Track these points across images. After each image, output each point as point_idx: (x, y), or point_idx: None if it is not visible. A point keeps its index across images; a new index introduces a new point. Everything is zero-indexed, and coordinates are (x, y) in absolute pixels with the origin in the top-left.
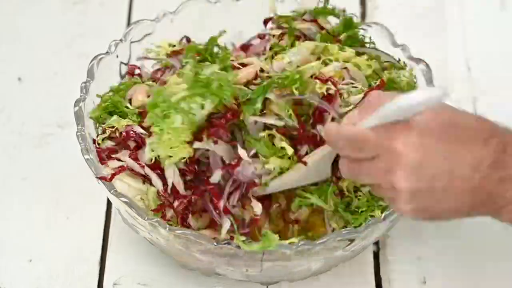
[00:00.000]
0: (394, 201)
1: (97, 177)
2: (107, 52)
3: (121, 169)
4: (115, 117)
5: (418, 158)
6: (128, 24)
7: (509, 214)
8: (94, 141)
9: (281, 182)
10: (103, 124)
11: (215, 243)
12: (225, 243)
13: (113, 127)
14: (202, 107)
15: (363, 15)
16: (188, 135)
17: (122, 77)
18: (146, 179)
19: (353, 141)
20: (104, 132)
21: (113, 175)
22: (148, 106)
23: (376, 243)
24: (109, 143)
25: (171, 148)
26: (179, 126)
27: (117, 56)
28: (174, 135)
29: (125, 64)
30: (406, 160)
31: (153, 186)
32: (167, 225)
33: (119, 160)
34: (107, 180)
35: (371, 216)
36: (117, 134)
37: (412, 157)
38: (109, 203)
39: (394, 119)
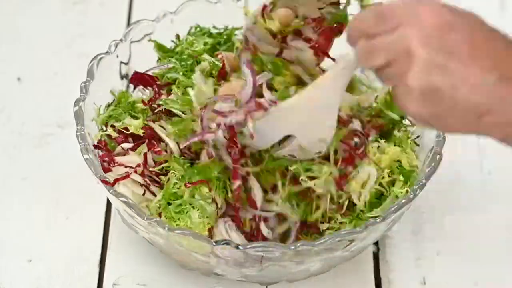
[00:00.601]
0: (406, 73)
1: (100, 180)
2: (107, 52)
3: (125, 176)
4: (128, 117)
5: (436, 22)
6: (128, 24)
7: None
8: (99, 142)
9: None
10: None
11: (214, 243)
12: (224, 243)
13: (126, 128)
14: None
15: None
16: (208, 227)
17: (122, 77)
18: (148, 190)
19: (379, 12)
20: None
21: (116, 180)
22: (162, 209)
23: (376, 244)
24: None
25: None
26: (198, 220)
27: (117, 56)
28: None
29: (125, 64)
30: (423, 23)
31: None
32: (166, 225)
33: (123, 165)
34: (108, 184)
35: (371, 216)
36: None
37: (430, 21)
38: (109, 203)
39: None
